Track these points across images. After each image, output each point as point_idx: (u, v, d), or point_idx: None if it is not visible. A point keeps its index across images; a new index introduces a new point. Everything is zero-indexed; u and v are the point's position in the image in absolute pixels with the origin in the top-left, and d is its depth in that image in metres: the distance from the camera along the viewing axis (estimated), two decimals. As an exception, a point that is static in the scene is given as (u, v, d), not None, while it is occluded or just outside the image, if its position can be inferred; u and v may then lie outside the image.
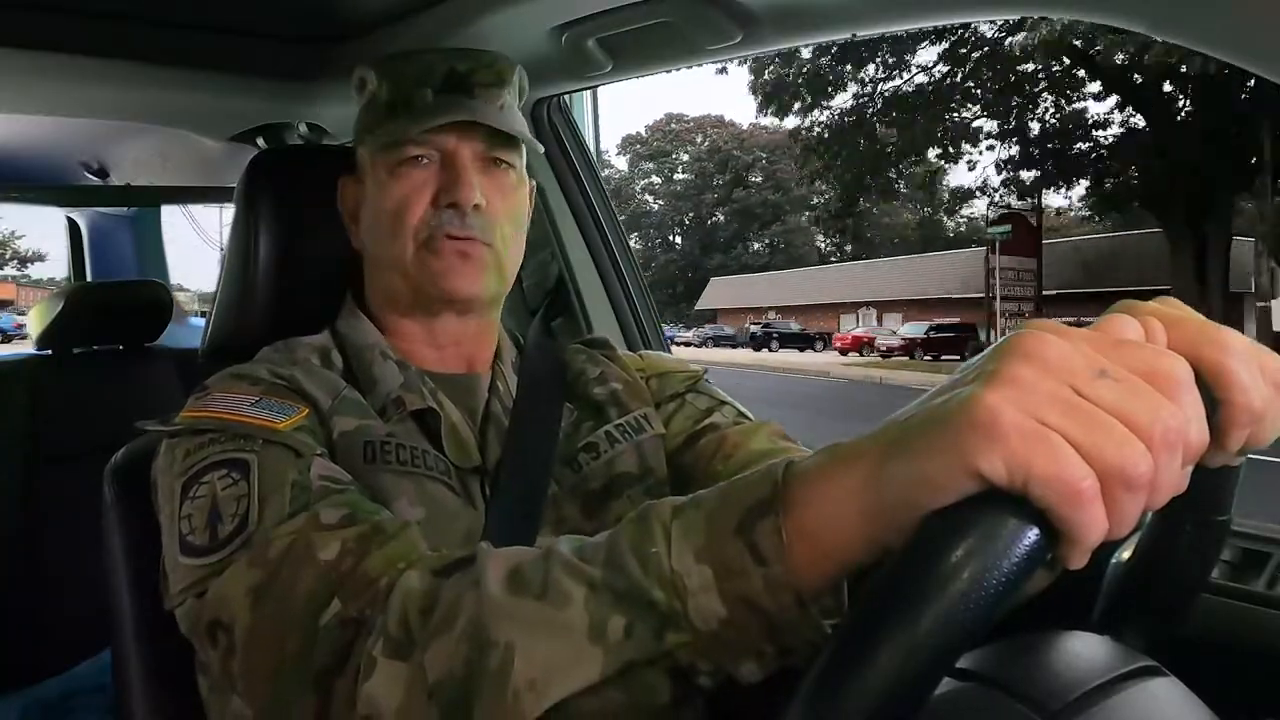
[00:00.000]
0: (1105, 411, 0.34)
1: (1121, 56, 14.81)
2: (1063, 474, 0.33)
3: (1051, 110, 18.62)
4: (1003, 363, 0.36)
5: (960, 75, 17.85)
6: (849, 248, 44.97)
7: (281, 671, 0.55)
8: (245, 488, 0.61)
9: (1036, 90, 18.01)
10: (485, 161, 0.78)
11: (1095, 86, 17.14)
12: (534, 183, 0.87)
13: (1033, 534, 0.34)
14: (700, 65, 1.08)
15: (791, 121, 21.30)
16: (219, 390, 0.70)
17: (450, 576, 0.52)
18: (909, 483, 0.37)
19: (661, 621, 0.43)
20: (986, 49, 17.12)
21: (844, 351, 25.15)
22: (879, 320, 30.46)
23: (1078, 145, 18.65)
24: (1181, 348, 0.38)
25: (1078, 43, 14.99)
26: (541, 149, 0.86)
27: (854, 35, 0.95)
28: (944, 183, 26.62)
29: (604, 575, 0.45)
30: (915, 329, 24.27)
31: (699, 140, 49.44)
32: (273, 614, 0.56)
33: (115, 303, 1.81)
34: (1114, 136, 18.17)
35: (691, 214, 49.31)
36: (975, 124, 19.30)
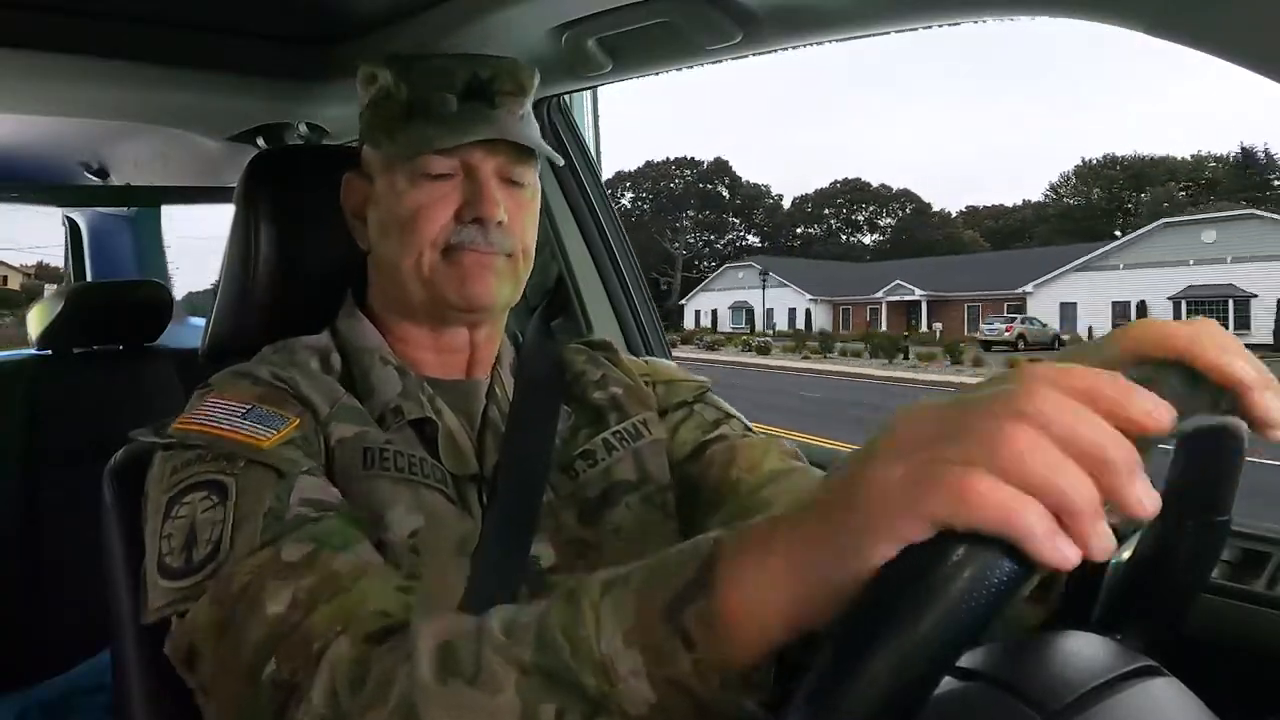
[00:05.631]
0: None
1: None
2: (1008, 524, 0.33)
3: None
4: (884, 439, 0.38)
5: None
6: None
7: (238, 716, 0.56)
8: (222, 513, 0.62)
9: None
10: (505, 175, 0.78)
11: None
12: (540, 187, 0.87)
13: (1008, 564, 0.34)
14: (701, 65, 1.08)
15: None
16: (217, 394, 0.70)
17: (383, 644, 0.52)
18: (836, 567, 0.37)
19: (592, 707, 0.44)
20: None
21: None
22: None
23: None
24: (1161, 352, 0.40)
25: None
26: (561, 161, 0.86)
27: (855, 36, 0.94)
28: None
29: (535, 658, 0.45)
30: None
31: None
32: (228, 657, 0.57)
33: (115, 303, 1.81)
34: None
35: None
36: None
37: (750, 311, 40.81)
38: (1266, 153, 53.21)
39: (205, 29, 1.20)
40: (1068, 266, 32.07)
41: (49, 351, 1.78)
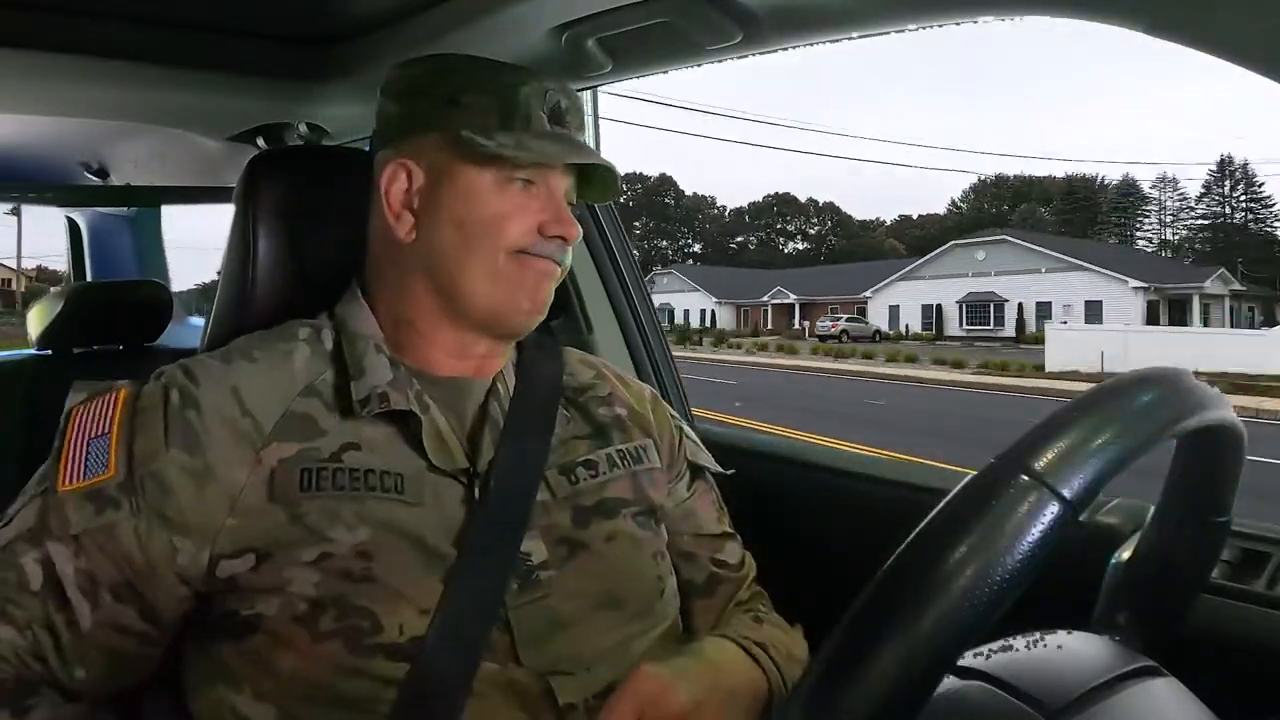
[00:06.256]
0: None
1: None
2: None
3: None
4: None
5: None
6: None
7: None
8: (13, 512, 0.69)
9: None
10: (569, 197, 0.82)
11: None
12: None
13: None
14: (700, 66, 1.08)
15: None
16: (120, 392, 0.77)
17: None
18: None
19: None
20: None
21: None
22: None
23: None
24: None
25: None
26: (621, 196, 0.92)
27: (855, 36, 0.94)
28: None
29: None
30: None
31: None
32: None
33: (115, 303, 1.81)
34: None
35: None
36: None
37: (671, 312, 48.06)
38: (1099, 179, 70.86)
39: (205, 29, 1.20)
40: (893, 277, 39.20)
41: (49, 351, 1.78)
